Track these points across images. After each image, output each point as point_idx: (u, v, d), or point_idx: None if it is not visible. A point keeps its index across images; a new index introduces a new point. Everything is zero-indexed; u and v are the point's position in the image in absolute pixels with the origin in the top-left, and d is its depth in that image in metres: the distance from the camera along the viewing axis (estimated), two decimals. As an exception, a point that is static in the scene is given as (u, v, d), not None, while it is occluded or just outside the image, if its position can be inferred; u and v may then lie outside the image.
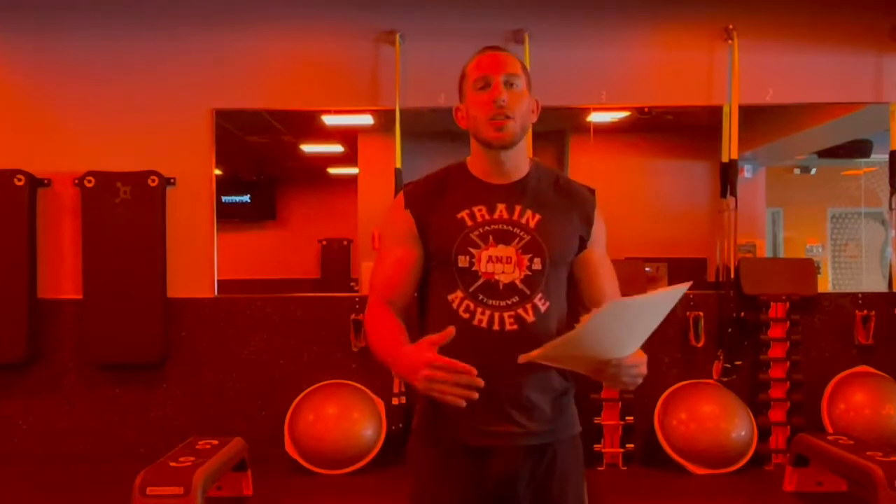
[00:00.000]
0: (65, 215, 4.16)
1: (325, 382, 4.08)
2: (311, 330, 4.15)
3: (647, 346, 1.55)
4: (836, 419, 3.98)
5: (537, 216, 1.71)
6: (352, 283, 4.62)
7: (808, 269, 4.22)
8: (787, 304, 4.04)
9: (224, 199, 4.40)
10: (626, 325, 1.49)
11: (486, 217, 1.71)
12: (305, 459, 3.88)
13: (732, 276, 4.13)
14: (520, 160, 1.76)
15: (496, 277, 1.67)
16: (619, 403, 3.94)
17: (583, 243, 1.76)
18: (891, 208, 4.24)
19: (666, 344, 4.09)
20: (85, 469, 3.93)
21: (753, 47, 4.16)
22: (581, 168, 4.51)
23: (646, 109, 4.41)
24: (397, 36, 4.12)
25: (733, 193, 4.13)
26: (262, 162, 5.23)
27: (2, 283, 4.00)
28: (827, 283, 4.92)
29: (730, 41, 4.16)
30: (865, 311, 4.13)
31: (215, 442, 3.40)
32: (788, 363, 4.02)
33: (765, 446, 3.96)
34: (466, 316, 1.66)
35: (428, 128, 4.32)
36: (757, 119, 4.32)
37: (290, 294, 4.22)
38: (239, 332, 4.16)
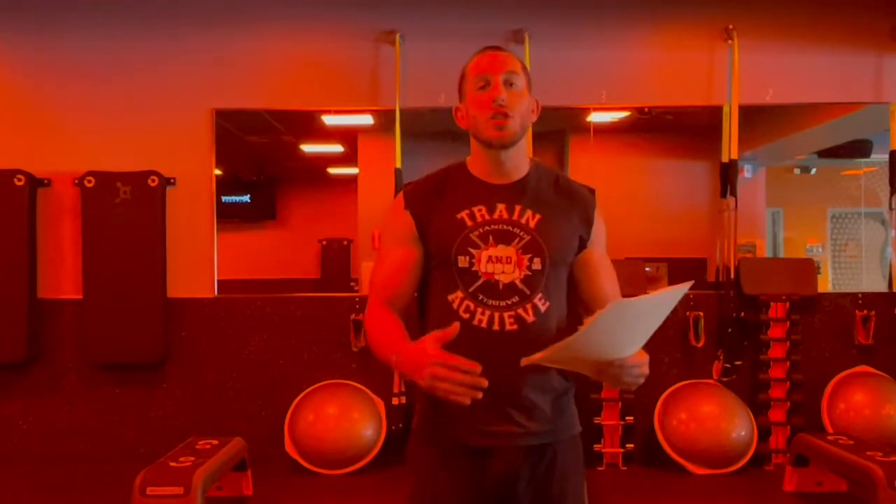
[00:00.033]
0: (65, 215, 4.16)
1: (325, 382, 4.08)
2: (311, 330, 4.15)
3: (648, 346, 1.55)
4: (836, 419, 3.98)
5: (537, 216, 1.71)
6: (352, 283, 4.62)
7: (808, 269, 4.22)
8: (787, 304, 4.04)
9: (224, 199, 4.41)
10: (628, 326, 1.48)
11: (486, 217, 1.71)
12: (305, 459, 3.88)
13: (732, 276, 4.13)
14: (520, 160, 1.76)
15: (496, 277, 1.67)
16: (619, 403, 3.94)
17: (583, 243, 1.76)
18: (891, 208, 4.24)
19: (666, 344, 4.09)
20: (85, 469, 3.93)
21: (753, 47, 4.16)
22: (581, 168, 4.51)
23: (646, 109, 4.41)
24: (397, 36, 4.12)
25: (733, 193, 4.13)
26: (262, 162, 5.23)
27: (2, 283, 4.00)
28: (827, 283, 4.92)
29: (730, 41, 4.16)
30: (865, 311, 4.13)
31: (215, 442, 3.40)
32: (788, 363, 4.03)
33: (765, 446, 3.96)
34: (466, 316, 1.66)
35: (428, 128, 4.32)
36: (757, 119, 4.32)
37: (290, 294, 4.22)
38: (239, 332, 4.16)
